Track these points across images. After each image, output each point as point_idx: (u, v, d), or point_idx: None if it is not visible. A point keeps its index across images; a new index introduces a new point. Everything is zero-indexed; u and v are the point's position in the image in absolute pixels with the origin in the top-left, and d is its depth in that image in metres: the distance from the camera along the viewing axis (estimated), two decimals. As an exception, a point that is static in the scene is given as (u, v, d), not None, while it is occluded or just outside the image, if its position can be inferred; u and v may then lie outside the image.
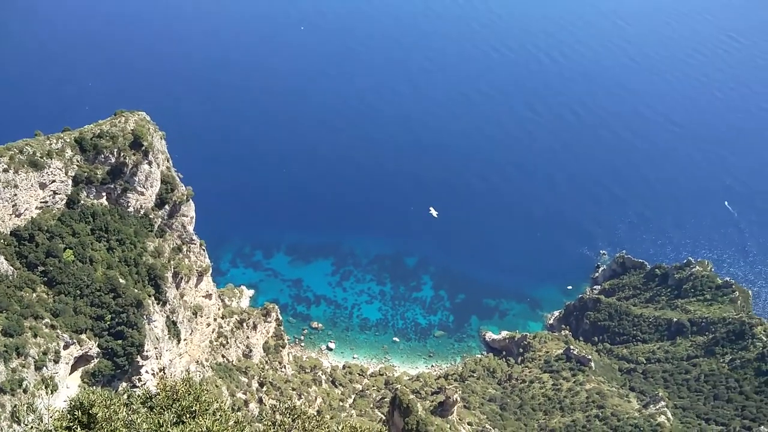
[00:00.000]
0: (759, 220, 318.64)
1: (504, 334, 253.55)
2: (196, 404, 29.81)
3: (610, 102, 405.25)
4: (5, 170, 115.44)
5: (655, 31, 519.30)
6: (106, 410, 28.38)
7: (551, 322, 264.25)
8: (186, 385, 30.68)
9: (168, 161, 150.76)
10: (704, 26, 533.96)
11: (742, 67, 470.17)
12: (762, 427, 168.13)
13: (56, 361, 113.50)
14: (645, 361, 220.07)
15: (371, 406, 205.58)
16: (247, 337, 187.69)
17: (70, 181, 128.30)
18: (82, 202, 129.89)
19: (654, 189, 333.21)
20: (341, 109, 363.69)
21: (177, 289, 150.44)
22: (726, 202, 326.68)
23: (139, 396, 31.76)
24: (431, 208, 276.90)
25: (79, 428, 27.75)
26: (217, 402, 31.29)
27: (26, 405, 30.13)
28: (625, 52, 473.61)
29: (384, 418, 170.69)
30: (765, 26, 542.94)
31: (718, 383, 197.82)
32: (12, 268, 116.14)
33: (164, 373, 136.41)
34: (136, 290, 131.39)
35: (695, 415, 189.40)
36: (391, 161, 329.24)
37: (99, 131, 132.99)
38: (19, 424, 29.35)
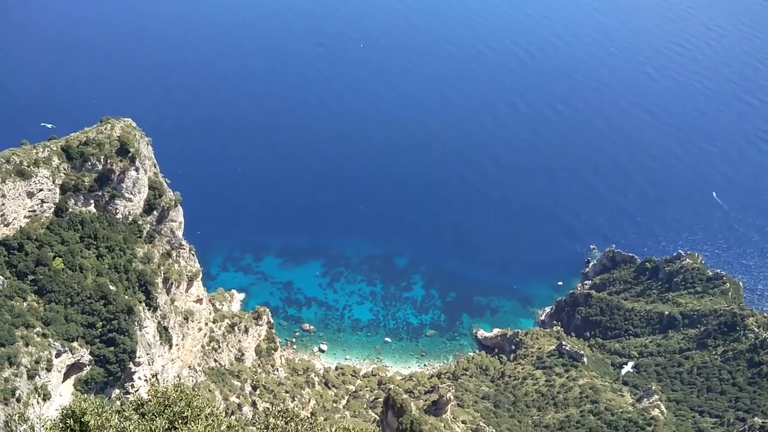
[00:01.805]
0: (747, 211, 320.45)
1: (496, 331, 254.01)
2: (188, 410, 30.04)
3: (590, 97, 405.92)
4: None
5: (633, 23, 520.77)
6: (98, 418, 28.62)
7: (543, 318, 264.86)
8: (177, 391, 30.92)
9: (155, 167, 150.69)
10: (683, 17, 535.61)
11: (721, 58, 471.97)
12: (756, 418, 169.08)
13: (48, 370, 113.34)
14: (637, 355, 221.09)
15: (365, 406, 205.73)
16: (239, 341, 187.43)
17: (57, 190, 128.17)
18: (70, 210, 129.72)
19: (639, 183, 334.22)
20: (323, 110, 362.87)
21: (167, 295, 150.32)
22: (714, 194, 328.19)
23: (131, 403, 31.97)
24: None
25: (71, 436, 27.97)
26: (209, 407, 31.52)
27: (18, 415, 30.34)
28: (603, 46, 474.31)
29: (378, 418, 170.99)
30: (744, 16, 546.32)
31: (711, 375, 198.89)
32: (2, 278, 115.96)
33: (156, 379, 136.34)
34: (126, 297, 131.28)
35: (689, 408, 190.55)
36: (375, 162, 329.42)
37: (85, 139, 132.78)
38: (12, 434, 29.53)
